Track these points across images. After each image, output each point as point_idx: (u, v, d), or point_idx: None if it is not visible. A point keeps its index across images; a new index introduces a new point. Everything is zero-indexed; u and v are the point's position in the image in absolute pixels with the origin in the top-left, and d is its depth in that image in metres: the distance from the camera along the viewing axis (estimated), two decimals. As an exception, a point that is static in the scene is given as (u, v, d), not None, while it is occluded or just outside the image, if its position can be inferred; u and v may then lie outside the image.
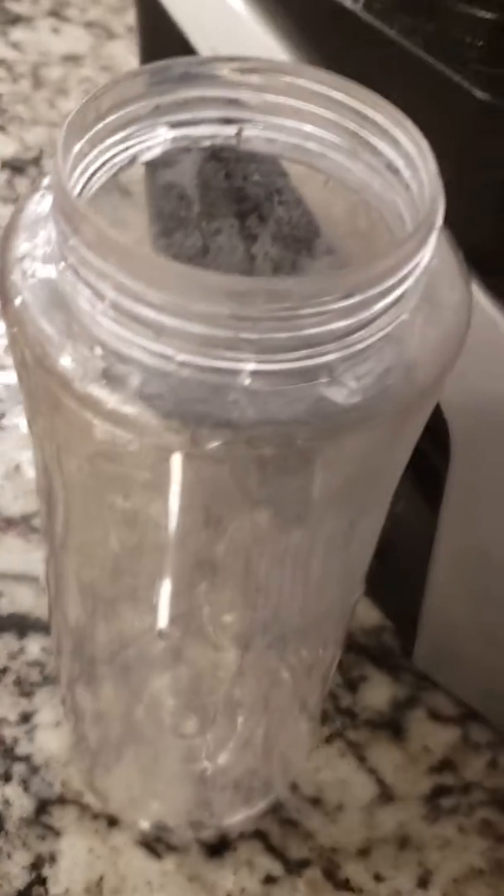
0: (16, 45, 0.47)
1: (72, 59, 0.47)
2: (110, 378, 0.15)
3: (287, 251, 0.20)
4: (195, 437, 0.15)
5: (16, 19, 0.48)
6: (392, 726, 0.28)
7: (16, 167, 0.42)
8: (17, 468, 0.33)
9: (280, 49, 0.24)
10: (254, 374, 0.15)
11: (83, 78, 0.46)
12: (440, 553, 0.26)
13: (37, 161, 0.42)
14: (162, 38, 0.28)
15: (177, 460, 0.16)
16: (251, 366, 0.15)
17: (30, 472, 0.33)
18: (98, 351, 0.15)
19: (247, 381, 0.15)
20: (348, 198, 0.18)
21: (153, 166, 0.18)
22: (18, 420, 0.34)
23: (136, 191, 0.19)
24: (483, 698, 0.28)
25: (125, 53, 0.47)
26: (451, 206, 0.16)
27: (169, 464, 0.16)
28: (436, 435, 0.21)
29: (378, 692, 0.29)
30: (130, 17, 0.48)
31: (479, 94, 0.19)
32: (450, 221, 0.16)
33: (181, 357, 0.15)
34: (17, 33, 0.48)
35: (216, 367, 0.15)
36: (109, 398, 0.15)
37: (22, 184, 0.41)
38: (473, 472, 0.24)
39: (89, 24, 0.49)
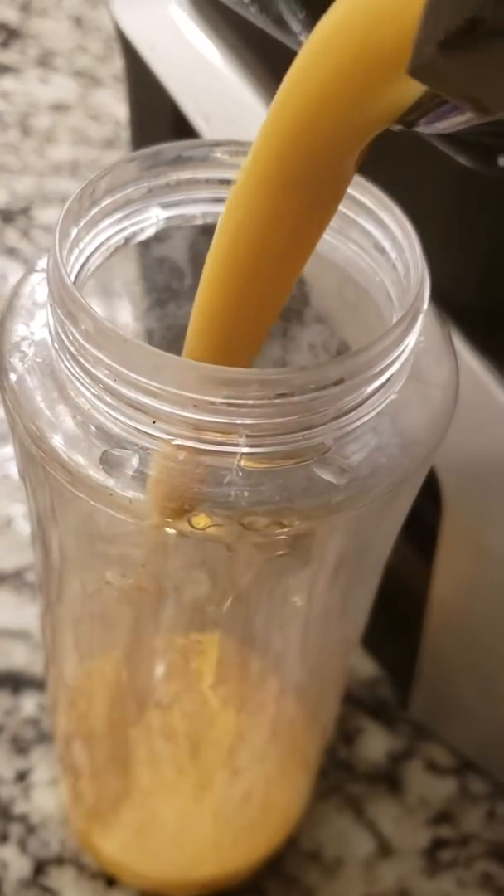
0: (4, 95, 0.48)
1: (60, 108, 0.48)
2: (106, 461, 0.15)
3: (278, 319, 0.21)
4: (191, 519, 0.15)
5: (3, 69, 0.49)
6: (389, 778, 0.28)
7: (5, 217, 0.42)
8: (9, 523, 0.33)
9: (263, 108, 0.24)
10: (248, 455, 0.15)
11: (71, 127, 0.47)
12: (435, 604, 0.26)
13: (26, 211, 0.43)
14: (148, 90, 0.28)
15: (172, 540, 0.16)
16: (245, 448, 0.15)
17: (22, 526, 0.33)
18: (94, 432, 0.16)
19: (241, 463, 0.15)
20: (336, 273, 0.18)
21: (146, 242, 0.18)
22: (9, 471, 0.34)
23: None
24: (480, 749, 0.28)
25: (112, 101, 0.48)
26: (436, 269, 0.16)
27: (164, 542, 0.16)
28: (428, 487, 0.21)
29: (374, 744, 0.29)
30: (117, 65, 0.49)
31: (463, 160, 0.20)
32: (435, 284, 0.16)
33: (177, 441, 0.15)
34: (5, 83, 0.48)
35: (212, 451, 0.15)
36: (106, 481, 0.15)
37: (11, 234, 0.42)
38: (466, 523, 0.24)
39: (77, 73, 0.49)
